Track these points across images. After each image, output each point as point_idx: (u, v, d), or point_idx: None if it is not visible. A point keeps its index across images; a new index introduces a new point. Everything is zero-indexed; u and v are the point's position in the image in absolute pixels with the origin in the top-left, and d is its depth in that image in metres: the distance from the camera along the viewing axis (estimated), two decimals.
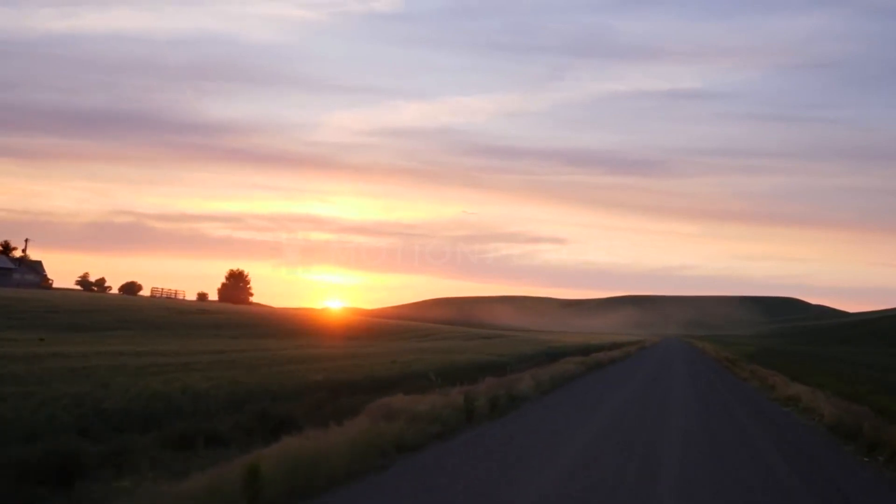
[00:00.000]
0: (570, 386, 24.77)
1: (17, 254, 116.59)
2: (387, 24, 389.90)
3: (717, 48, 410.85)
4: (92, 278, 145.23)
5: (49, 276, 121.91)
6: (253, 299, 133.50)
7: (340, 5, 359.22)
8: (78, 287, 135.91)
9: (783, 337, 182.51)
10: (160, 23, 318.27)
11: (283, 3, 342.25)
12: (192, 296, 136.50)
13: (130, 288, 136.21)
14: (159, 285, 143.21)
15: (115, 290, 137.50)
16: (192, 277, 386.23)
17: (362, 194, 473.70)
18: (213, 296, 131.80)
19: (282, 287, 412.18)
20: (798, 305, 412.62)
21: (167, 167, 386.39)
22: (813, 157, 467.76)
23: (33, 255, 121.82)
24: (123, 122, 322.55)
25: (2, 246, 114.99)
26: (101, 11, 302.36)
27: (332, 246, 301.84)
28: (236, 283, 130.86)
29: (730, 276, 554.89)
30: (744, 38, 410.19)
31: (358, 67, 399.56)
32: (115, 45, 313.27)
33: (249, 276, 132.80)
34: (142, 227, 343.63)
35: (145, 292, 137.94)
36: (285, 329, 60.39)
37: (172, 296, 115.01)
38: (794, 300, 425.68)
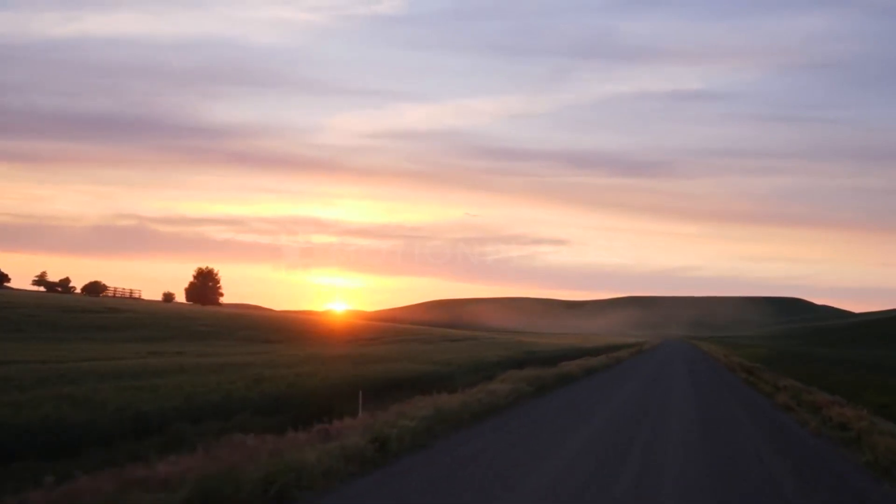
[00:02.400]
0: (438, 449, 11.69)
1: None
2: (390, 27, 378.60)
3: (719, 49, 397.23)
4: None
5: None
6: (223, 299, 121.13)
7: (344, 8, 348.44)
8: (39, 288, 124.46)
9: (792, 338, 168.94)
10: (164, 27, 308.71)
11: (287, 6, 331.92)
12: (157, 296, 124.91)
13: (94, 288, 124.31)
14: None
15: (78, 291, 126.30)
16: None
17: (366, 197, 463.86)
18: (181, 296, 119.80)
19: (284, 290, 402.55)
20: (803, 305, 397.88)
21: (170, 171, 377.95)
22: (816, 157, 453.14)
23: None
24: (127, 125, 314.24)
25: None
26: (105, 15, 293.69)
27: (335, 249, 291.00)
28: (205, 283, 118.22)
29: (734, 277, 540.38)
30: (747, 39, 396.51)
31: (361, 70, 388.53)
32: (119, 49, 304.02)
33: (220, 275, 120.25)
34: (145, 231, 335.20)
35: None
36: (202, 332, 48.04)
37: (127, 295, 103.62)
38: (798, 300, 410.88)
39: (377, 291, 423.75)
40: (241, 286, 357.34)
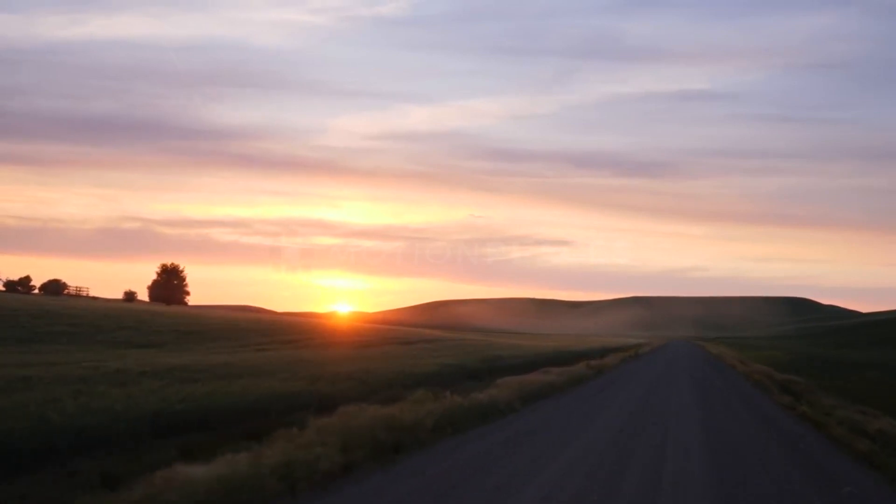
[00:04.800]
0: None
1: None
2: (394, 29, 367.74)
3: (724, 49, 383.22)
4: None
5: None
6: (190, 299, 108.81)
7: (347, 10, 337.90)
8: None
9: (805, 339, 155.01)
10: (168, 29, 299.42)
11: (291, 8, 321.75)
12: (118, 294, 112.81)
13: (54, 287, 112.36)
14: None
15: (37, 290, 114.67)
16: (198, 283, 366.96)
17: (370, 198, 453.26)
18: (143, 295, 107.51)
19: (288, 292, 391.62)
20: (809, 305, 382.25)
21: (175, 173, 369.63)
22: (821, 157, 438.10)
23: None
24: (131, 128, 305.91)
25: None
26: (109, 18, 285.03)
27: (340, 250, 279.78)
28: (169, 281, 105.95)
29: (739, 278, 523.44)
30: (751, 39, 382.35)
31: (365, 72, 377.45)
32: (123, 51, 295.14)
33: (186, 273, 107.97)
34: (150, 233, 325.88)
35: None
36: (57, 333, 35.68)
37: (75, 293, 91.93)
38: (805, 300, 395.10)
39: (381, 293, 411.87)
40: (246, 288, 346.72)
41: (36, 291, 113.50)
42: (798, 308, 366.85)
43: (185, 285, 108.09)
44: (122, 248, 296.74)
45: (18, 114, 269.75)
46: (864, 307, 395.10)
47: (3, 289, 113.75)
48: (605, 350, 58.62)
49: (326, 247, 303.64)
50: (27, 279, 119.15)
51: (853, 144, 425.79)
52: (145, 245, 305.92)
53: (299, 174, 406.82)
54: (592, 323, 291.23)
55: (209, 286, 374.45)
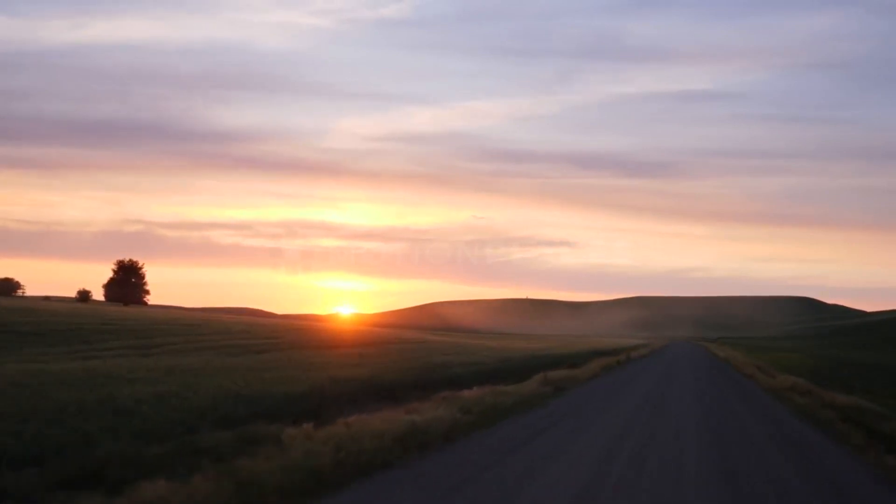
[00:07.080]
0: None
1: None
2: (396, 31, 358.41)
3: (727, 49, 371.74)
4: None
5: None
6: (149, 298, 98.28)
7: (350, 12, 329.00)
8: None
9: (811, 339, 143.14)
10: (171, 32, 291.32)
11: (293, 11, 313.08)
12: (72, 293, 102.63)
13: (5, 287, 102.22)
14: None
15: None
16: (201, 285, 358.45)
17: (373, 200, 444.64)
18: (99, 293, 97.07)
19: (291, 293, 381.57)
20: (815, 305, 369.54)
21: (178, 175, 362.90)
22: (825, 157, 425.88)
23: None
24: (134, 131, 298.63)
25: None
26: (112, 22, 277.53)
27: (342, 252, 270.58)
28: (127, 279, 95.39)
29: (742, 278, 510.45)
30: (754, 39, 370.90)
31: (368, 74, 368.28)
32: (127, 54, 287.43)
33: (145, 270, 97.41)
34: (152, 236, 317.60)
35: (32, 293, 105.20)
36: None
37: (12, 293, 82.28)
38: (810, 300, 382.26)
39: (383, 295, 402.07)
40: (248, 290, 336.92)
41: None
42: (802, 308, 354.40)
43: (145, 284, 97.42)
44: (125, 251, 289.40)
45: (21, 117, 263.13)
46: (868, 306, 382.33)
47: None
48: (591, 353, 47.63)
49: (329, 248, 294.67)
50: None
51: (854, 144, 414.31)
52: (148, 247, 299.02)
53: (302, 176, 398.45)
54: (593, 323, 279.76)
55: (211, 288, 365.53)
